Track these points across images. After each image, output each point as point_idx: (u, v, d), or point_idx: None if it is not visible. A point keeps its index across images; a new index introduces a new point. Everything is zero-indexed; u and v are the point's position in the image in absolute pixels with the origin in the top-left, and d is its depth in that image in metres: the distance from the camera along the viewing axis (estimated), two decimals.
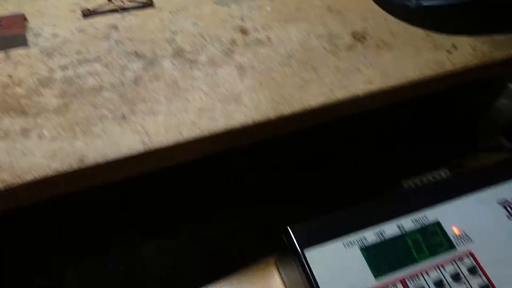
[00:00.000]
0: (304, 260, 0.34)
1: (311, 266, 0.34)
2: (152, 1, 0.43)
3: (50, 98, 0.32)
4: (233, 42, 0.36)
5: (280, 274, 0.41)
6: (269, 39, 0.37)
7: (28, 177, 0.27)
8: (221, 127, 0.30)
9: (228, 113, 0.31)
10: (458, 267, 0.35)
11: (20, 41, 0.38)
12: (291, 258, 0.36)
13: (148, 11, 0.42)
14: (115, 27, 0.39)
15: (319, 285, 0.33)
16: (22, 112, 0.30)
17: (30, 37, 0.38)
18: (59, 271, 0.37)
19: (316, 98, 0.32)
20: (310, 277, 0.34)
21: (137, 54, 0.36)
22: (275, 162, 0.44)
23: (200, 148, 0.31)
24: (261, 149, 0.42)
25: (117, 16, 0.41)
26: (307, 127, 0.34)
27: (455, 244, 0.36)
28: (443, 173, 0.45)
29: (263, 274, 0.41)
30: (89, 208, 0.37)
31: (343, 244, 0.35)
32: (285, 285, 0.41)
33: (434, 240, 0.37)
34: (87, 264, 0.37)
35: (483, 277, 0.35)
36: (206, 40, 0.37)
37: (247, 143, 0.33)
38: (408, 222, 0.37)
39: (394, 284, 0.34)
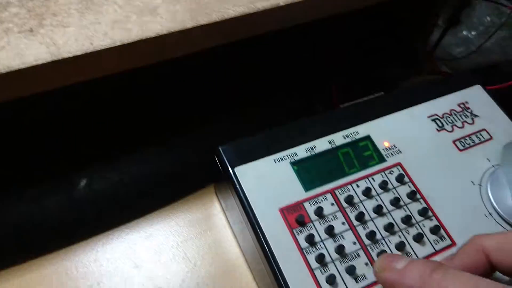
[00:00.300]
0: (233, 177, 0.34)
1: (240, 182, 0.34)
2: None
3: None
4: None
5: (219, 200, 0.41)
6: None
7: None
8: (134, 37, 0.29)
9: (143, 23, 0.30)
10: (387, 177, 0.36)
11: None
12: (223, 179, 0.35)
13: None
14: None
15: (249, 199, 0.33)
16: None
17: None
18: None
19: (236, 8, 0.31)
20: (240, 192, 0.34)
21: None
22: (204, 81, 0.43)
23: (112, 61, 0.29)
24: (189, 68, 0.41)
25: None
26: (233, 40, 0.33)
27: (385, 156, 0.37)
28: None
29: (203, 202, 0.41)
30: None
31: (274, 160, 0.35)
32: (223, 211, 0.41)
33: (365, 153, 0.37)
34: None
35: (410, 185, 0.36)
36: None
37: (170, 58, 0.32)
38: (339, 138, 0.37)
39: (324, 195, 0.34)
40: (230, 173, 0.34)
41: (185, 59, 0.34)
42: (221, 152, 0.35)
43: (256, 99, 0.46)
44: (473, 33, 1.13)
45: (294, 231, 0.32)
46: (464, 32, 1.13)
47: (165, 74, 0.40)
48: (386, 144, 0.38)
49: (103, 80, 0.32)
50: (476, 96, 0.42)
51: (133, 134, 0.40)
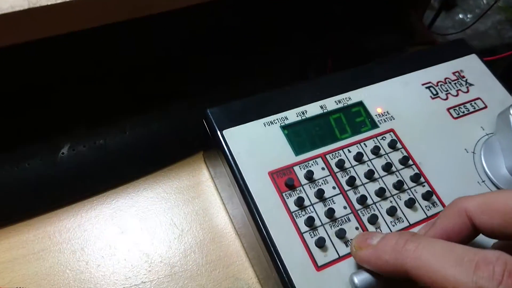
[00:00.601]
0: (221, 139, 0.33)
1: (229, 144, 0.33)
2: None
3: None
4: None
5: (207, 168, 0.41)
6: None
7: None
8: None
9: None
10: (379, 143, 0.35)
11: None
12: (211, 143, 0.34)
13: None
14: None
15: (237, 162, 0.32)
16: None
17: None
18: None
19: None
20: (228, 155, 0.33)
21: None
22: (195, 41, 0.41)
23: (92, 11, 0.28)
24: (180, 30, 0.40)
25: None
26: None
27: (377, 122, 0.36)
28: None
29: (191, 169, 0.40)
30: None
31: (264, 124, 0.34)
32: (212, 178, 0.40)
33: (357, 119, 0.36)
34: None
35: (403, 151, 0.35)
36: None
37: (158, 12, 0.31)
38: (331, 103, 0.36)
39: (315, 159, 0.33)
40: (218, 135, 0.33)
41: (174, 18, 0.33)
42: (209, 114, 0.34)
43: (251, 71, 0.45)
44: (469, 16, 1.12)
45: (284, 195, 0.31)
46: (460, 15, 1.12)
47: (154, 33, 0.39)
48: (379, 110, 0.37)
49: (88, 35, 0.31)
50: (471, 65, 0.41)
51: (121, 100, 0.39)
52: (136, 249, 0.35)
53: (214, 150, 0.35)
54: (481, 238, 0.27)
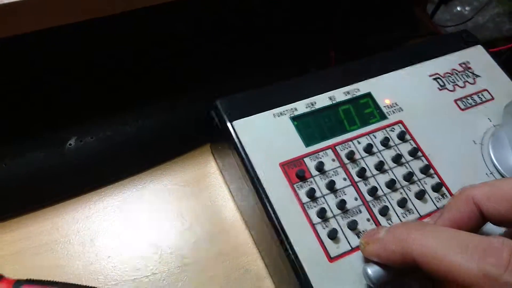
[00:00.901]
0: (231, 130, 0.33)
1: (239, 136, 0.33)
2: None
3: None
4: None
5: (215, 159, 0.40)
6: None
7: None
8: None
9: None
10: (388, 134, 0.35)
11: None
12: (220, 134, 0.34)
13: None
14: None
15: (248, 153, 0.32)
16: None
17: None
18: None
19: None
20: (238, 147, 0.32)
21: None
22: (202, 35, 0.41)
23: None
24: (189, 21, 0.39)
25: None
26: None
27: (386, 114, 0.36)
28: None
29: (198, 161, 0.40)
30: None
31: (273, 115, 0.34)
32: (220, 170, 0.40)
33: (366, 110, 0.36)
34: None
35: (412, 142, 0.35)
36: None
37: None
38: (340, 94, 0.36)
39: (325, 150, 0.33)
40: (228, 127, 0.33)
41: (175, 10, 0.33)
42: (219, 105, 0.34)
43: (255, 64, 0.45)
44: (467, 8, 1.12)
45: (295, 186, 0.31)
46: (459, 8, 1.12)
47: (163, 23, 0.38)
48: (387, 101, 0.37)
49: (95, 25, 0.30)
50: (477, 56, 0.41)
51: (128, 91, 0.38)
52: (145, 241, 0.35)
53: (223, 142, 0.35)
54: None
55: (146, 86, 0.39)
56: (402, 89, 0.38)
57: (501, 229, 0.29)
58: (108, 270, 0.33)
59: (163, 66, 0.40)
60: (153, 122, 0.38)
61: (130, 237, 0.35)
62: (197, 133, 0.40)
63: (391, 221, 0.32)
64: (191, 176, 0.39)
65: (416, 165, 0.34)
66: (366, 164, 0.33)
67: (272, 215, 0.30)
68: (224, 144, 0.34)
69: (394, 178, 0.33)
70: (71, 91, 0.37)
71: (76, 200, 0.36)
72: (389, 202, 0.32)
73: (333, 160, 0.33)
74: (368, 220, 0.31)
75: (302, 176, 0.32)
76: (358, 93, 0.37)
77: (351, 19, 0.50)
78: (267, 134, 0.33)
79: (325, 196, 0.32)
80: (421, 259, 0.24)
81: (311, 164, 0.33)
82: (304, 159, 0.33)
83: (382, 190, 0.33)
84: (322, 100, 0.36)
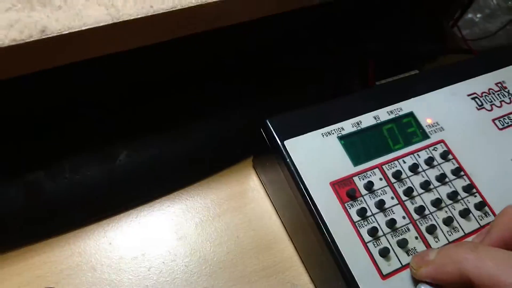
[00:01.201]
0: (283, 150, 0.34)
1: (291, 155, 0.34)
2: None
3: None
4: None
5: (257, 174, 0.41)
6: None
7: None
8: (194, 1, 0.28)
9: None
10: (432, 154, 0.36)
11: None
12: (269, 152, 0.35)
13: None
14: None
15: (300, 172, 0.33)
16: None
17: None
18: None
19: None
20: (290, 166, 0.33)
21: None
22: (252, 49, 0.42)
23: (171, 25, 0.28)
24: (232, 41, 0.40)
25: None
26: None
27: (428, 133, 0.37)
28: (414, 74, 0.45)
29: (240, 176, 0.41)
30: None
31: (321, 134, 0.35)
32: (263, 184, 0.41)
33: (409, 129, 0.37)
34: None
35: (454, 162, 0.36)
36: None
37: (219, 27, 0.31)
38: (383, 114, 0.37)
39: (372, 170, 0.34)
40: (280, 146, 0.34)
41: (230, 31, 0.33)
42: (269, 124, 0.35)
43: (291, 84, 0.46)
44: (478, 16, 1.14)
45: (346, 205, 0.32)
46: (470, 15, 1.14)
47: (211, 44, 0.39)
48: (429, 121, 0.38)
49: (152, 48, 0.31)
50: None
51: (175, 108, 0.39)
52: (195, 255, 0.36)
53: (270, 159, 0.36)
54: None
55: (192, 104, 0.40)
56: (442, 109, 0.39)
57: None
58: (160, 285, 0.34)
59: (209, 85, 0.41)
60: (198, 139, 0.39)
61: (180, 251, 0.36)
62: (240, 149, 0.41)
63: (438, 239, 0.33)
64: (235, 190, 0.40)
65: (459, 184, 0.35)
66: (412, 183, 0.34)
67: (326, 233, 0.31)
68: (273, 161, 0.35)
69: (439, 197, 0.34)
70: (121, 108, 0.38)
71: (127, 214, 0.37)
72: (435, 221, 0.33)
73: (381, 179, 0.34)
74: (416, 238, 0.32)
75: (353, 196, 0.33)
76: (401, 113, 0.38)
77: (382, 35, 0.51)
78: (317, 154, 0.34)
79: (375, 215, 0.33)
80: (478, 280, 0.25)
81: (360, 183, 0.34)
82: (354, 178, 0.34)
83: (428, 209, 0.34)
84: (367, 119, 0.37)
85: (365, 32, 0.49)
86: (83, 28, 0.26)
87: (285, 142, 0.34)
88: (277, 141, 0.34)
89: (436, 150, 0.36)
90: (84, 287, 0.33)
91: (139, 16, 0.27)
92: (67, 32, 0.26)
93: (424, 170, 0.35)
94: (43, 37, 0.25)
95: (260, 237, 0.37)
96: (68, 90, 0.36)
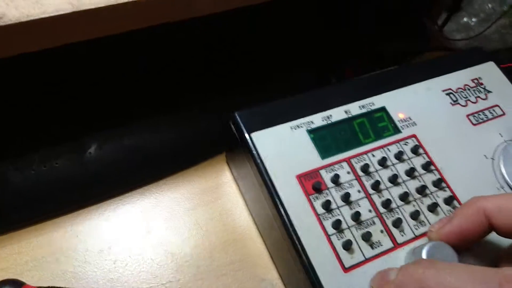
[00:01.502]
0: (250, 142, 0.34)
1: (257, 147, 0.33)
2: None
3: None
4: None
5: (230, 169, 0.41)
6: None
7: None
8: None
9: None
10: (402, 148, 0.36)
11: None
12: (238, 145, 0.35)
13: None
14: None
15: (266, 165, 0.33)
16: None
17: None
18: None
19: None
20: (256, 158, 0.33)
21: None
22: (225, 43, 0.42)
23: (134, 15, 0.29)
24: (205, 34, 0.40)
25: None
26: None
27: (400, 128, 0.37)
28: (389, 69, 0.45)
29: (213, 170, 0.41)
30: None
31: (290, 127, 0.35)
32: (235, 179, 0.40)
33: (380, 124, 0.37)
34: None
35: (425, 156, 0.36)
36: None
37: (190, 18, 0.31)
38: (355, 108, 0.37)
39: (340, 163, 0.34)
40: (247, 138, 0.34)
41: (201, 23, 0.33)
42: (237, 117, 0.35)
43: (269, 74, 0.46)
44: (473, 20, 1.13)
45: (311, 198, 0.32)
46: (465, 19, 1.13)
47: (183, 37, 0.39)
48: (401, 115, 0.38)
49: (119, 38, 0.31)
50: (489, 72, 0.42)
51: (146, 100, 0.39)
52: (162, 249, 0.35)
53: (240, 153, 0.36)
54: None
55: (165, 97, 0.40)
56: (415, 104, 0.38)
57: (507, 240, 0.29)
58: (126, 277, 0.34)
59: (181, 78, 0.41)
60: (171, 132, 0.39)
61: (148, 245, 0.36)
62: (213, 143, 0.41)
63: (404, 233, 0.32)
64: (206, 185, 0.40)
65: (428, 179, 0.35)
66: (380, 177, 0.34)
67: (289, 226, 0.31)
68: (242, 154, 0.35)
69: (407, 191, 0.34)
70: (91, 99, 0.38)
71: (94, 208, 0.37)
72: (402, 214, 0.33)
73: (348, 172, 0.34)
74: (381, 231, 0.32)
75: (318, 188, 0.32)
76: (373, 107, 0.37)
77: (365, 32, 0.51)
78: (284, 146, 0.34)
79: (340, 208, 0.32)
80: None
81: (327, 176, 0.33)
82: (320, 171, 0.33)
83: (395, 202, 0.33)
84: (337, 114, 0.36)
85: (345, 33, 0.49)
86: (42, 16, 0.26)
87: (252, 135, 0.34)
88: (244, 134, 0.34)
89: (407, 145, 0.36)
90: (48, 279, 0.33)
91: (100, 5, 0.27)
92: (25, 20, 0.26)
93: (393, 164, 0.35)
94: (1, 24, 0.26)
95: (229, 232, 0.37)
96: (35, 80, 0.36)
